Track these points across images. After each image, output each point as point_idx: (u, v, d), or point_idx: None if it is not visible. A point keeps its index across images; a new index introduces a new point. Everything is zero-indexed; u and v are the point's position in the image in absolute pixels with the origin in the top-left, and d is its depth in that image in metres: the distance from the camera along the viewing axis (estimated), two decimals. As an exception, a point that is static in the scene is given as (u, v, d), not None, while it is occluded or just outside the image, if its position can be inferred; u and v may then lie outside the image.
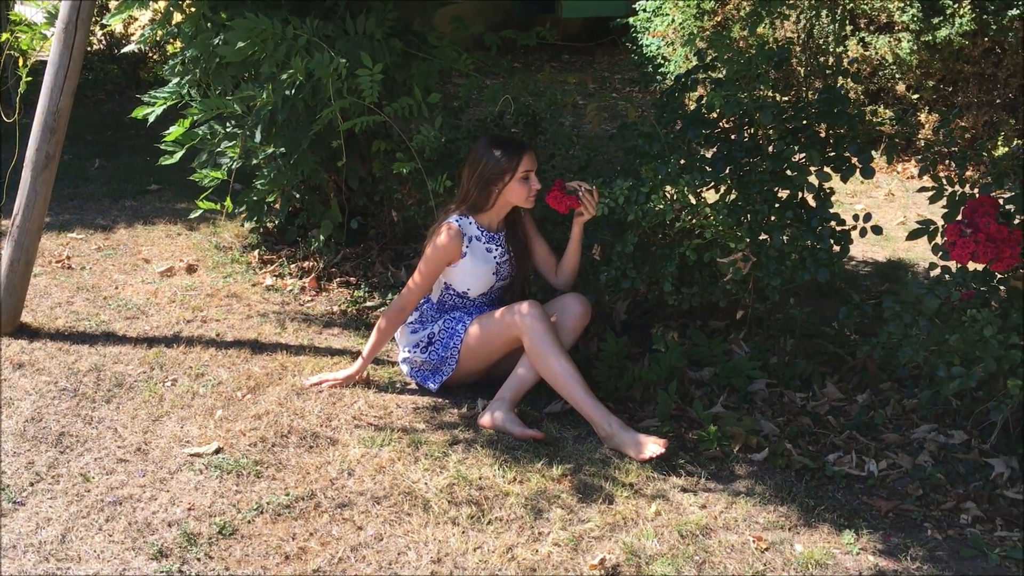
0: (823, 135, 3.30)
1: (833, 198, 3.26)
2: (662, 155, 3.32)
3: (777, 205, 3.23)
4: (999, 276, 2.79)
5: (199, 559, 2.37)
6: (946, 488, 2.81)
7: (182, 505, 2.57)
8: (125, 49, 4.81)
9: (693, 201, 3.18)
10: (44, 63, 3.54)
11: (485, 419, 3.07)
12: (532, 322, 3.06)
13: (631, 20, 8.62)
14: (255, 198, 4.17)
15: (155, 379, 3.26)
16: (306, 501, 2.61)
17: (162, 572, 2.31)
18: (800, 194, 3.26)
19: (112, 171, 5.83)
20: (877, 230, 3.18)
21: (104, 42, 8.47)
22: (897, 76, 6.56)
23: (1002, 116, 6.40)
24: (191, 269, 4.33)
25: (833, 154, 3.24)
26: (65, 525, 2.47)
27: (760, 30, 6.75)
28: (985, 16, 6.13)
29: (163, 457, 2.80)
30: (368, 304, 4.03)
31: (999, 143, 6.16)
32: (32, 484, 2.65)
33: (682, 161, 3.23)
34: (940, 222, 2.90)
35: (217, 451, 2.83)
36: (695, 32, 7.41)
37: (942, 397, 3.06)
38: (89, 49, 8.23)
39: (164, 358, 3.41)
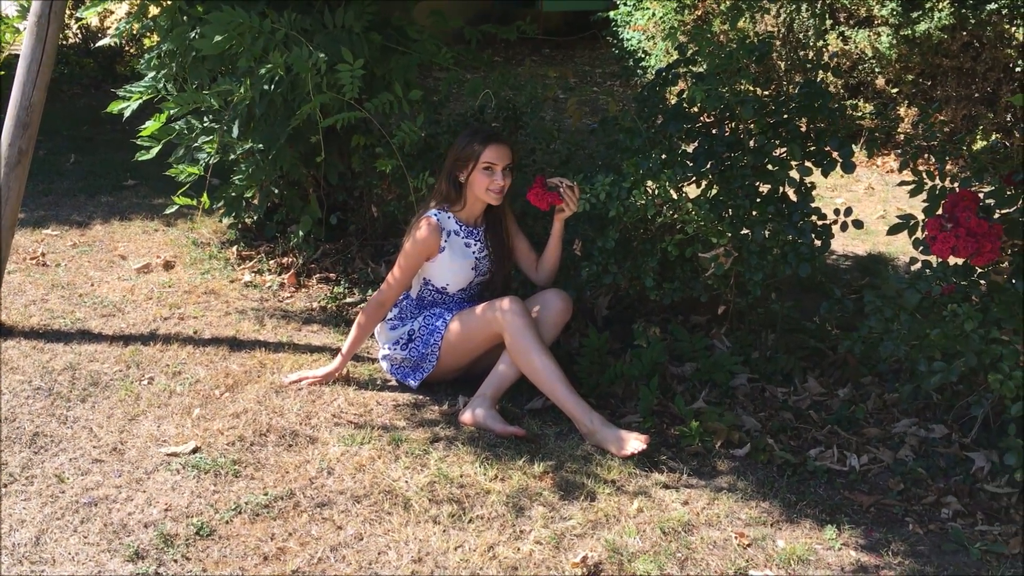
0: (804, 129, 3.30)
1: (814, 192, 3.27)
2: (643, 150, 3.31)
3: (758, 200, 3.23)
4: (979, 270, 2.80)
5: (176, 560, 2.33)
6: (927, 482, 2.82)
7: (159, 506, 2.53)
8: (101, 43, 4.73)
9: (675, 196, 3.17)
10: (17, 57, 3.49)
11: (466, 416, 3.05)
12: (513, 318, 3.04)
13: (612, 14, 8.62)
14: (233, 194, 4.13)
15: (131, 377, 3.22)
16: (285, 501, 2.58)
17: (138, 574, 2.28)
18: (781, 188, 3.26)
19: (88, 166, 5.76)
20: (858, 224, 3.19)
21: (79, 36, 8.39)
22: (877, 70, 6.59)
23: (980, 110, 6.44)
24: (168, 266, 4.28)
25: (814, 148, 3.24)
26: (39, 527, 2.43)
27: (740, 24, 6.76)
28: (964, 10, 6.16)
29: (139, 457, 2.76)
30: (348, 300, 4.00)
31: (978, 137, 6.20)
32: (5, 485, 2.60)
33: (663, 156, 3.22)
34: (920, 216, 2.90)
35: (194, 450, 2.80)
36: (676, 26, 7.42)
37: (923, 391, 3.07)
38: (64, 43, 8.15)
39: (140, 356, 3.37)
